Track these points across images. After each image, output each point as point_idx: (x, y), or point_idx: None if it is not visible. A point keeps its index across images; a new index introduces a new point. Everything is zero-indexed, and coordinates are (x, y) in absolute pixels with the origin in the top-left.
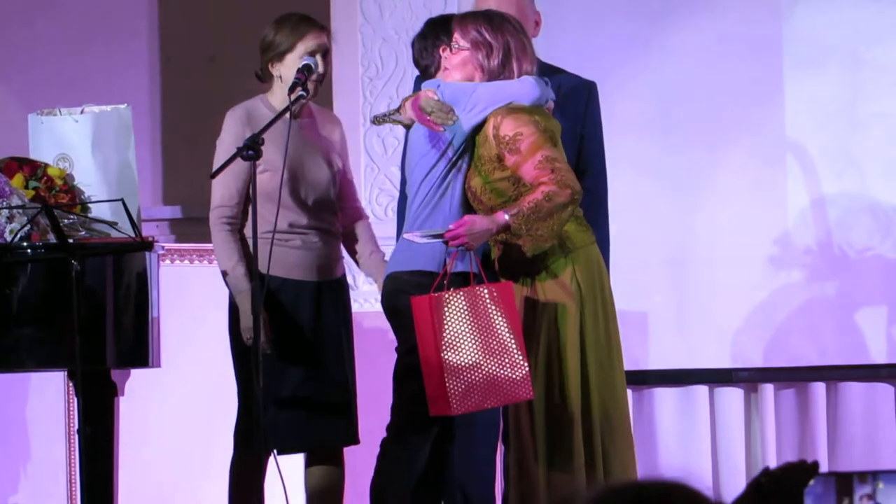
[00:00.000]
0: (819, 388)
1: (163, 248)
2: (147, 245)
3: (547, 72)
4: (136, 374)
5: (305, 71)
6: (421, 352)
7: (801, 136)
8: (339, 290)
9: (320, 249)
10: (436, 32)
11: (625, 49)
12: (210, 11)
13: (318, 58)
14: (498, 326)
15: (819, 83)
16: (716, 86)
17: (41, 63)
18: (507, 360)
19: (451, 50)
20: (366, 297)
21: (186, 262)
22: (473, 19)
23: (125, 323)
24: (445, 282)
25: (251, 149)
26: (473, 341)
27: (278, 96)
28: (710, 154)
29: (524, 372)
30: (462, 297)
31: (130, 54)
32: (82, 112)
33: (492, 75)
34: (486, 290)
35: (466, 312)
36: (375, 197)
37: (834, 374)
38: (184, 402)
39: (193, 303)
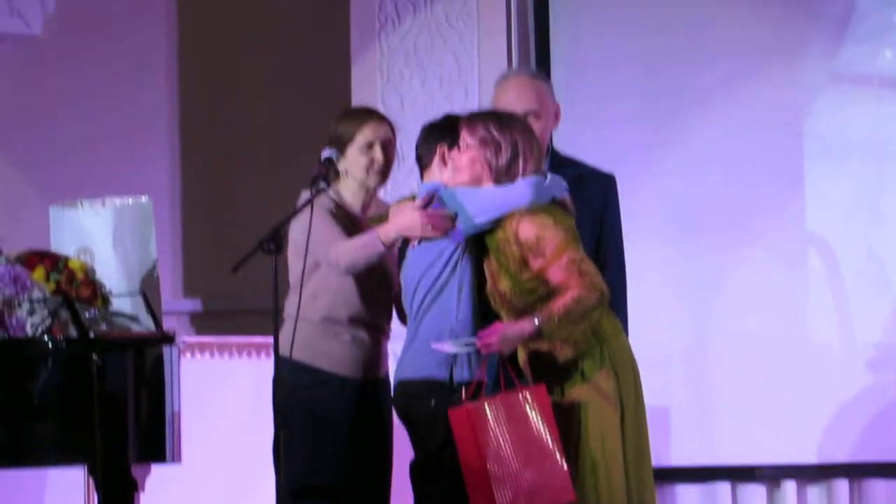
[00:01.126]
0: (842, 485)
1: (183, 341)
2: (168, 338)
3: (565, 164)
4: (157, 469)
5: (326, 164)
6: (464, 464)
7: (823, 230)
8: (381, 390)
9: (369, 348)
10: (436, 135)
11: (644, 143)
12: (230, 103)
13: (378, 147)
14: (536, 430)
15: (840, 178)
16: (736, 180)
17: (62, 156)
18: (547, 464)
19: (458, 149)
20: None
21: (207, 355)
22: (482, 117)
23: (145, 417)
24: (483, 388)
25: (272, 241)
26: (515, 448)
27: (349, 187)
28: (731, 249)
29: (564, 473)
30: (500, 405)
31: (151, 146)
32: (103, 205)
33: (499, 174)
34: (520, 395)
35: (505, 420)
36: None
37: (857, 471)
38: (205, 497)
39: (214, 397)
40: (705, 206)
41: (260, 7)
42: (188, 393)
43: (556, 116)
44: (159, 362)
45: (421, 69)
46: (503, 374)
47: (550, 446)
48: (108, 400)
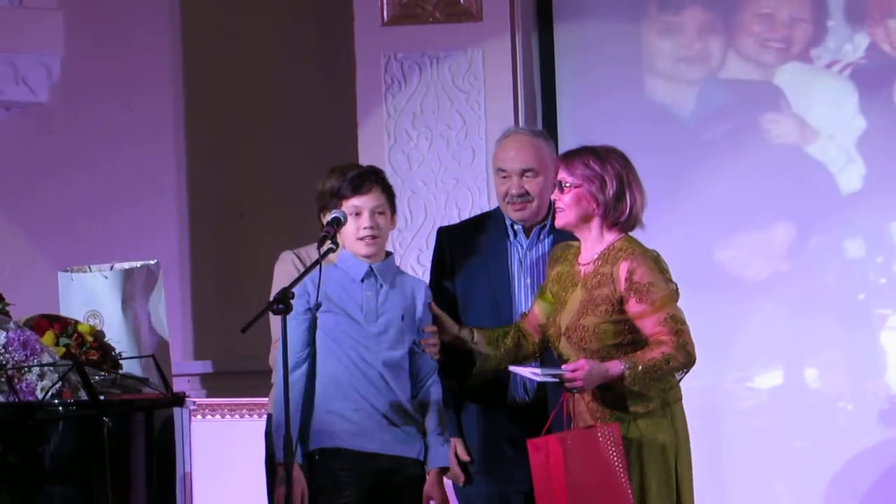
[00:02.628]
0: None
1: (194, 403)
2: (178, 400)
3: None
4: None
5: (334, 224)
6: (538, 495)
7: (832, 281)
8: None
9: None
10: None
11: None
12: (237, 167)
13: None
14: (613, 466)
15: (849, 229)
16: (744, 230)
17: (70, 221)
18: (621, 502)
19: (557, 190)
20: None
21: (218, 416)
22: (577, 154)
23: (157, 479)
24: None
25: (281, 303)
26: (591, 483)
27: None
28: (741, 301)
29: None
30: (579, 438)
31: (159, 210)
32: (112, 268)
33: (608, 207)
34: (598, 432)
35: (583, 454)
36: None
37: None
38: None
39: (226, 457)
40: (714, 258)
41: (266, 70)
42: (199, 454)
43: (556, 175)
44: (170, 424)
45: (428, 130)
46: (566, 408)
47: (624, 484)
48: (119, 462)
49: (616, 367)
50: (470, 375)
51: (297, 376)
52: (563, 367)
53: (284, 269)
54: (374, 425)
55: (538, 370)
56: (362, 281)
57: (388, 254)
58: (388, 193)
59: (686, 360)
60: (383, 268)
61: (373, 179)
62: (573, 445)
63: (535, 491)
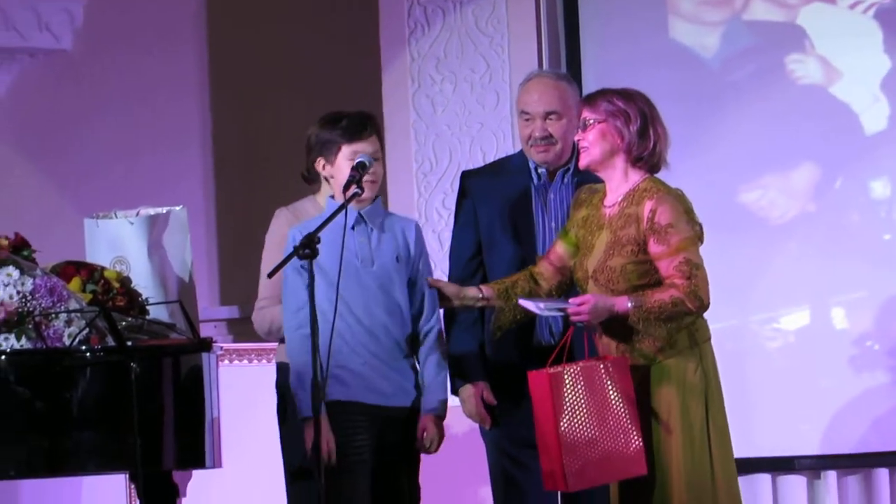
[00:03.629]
0: (883, 475)
1: (221, 348)
2: (205, 346)
3: None
4: (198, 475)
5: (360, 168)
6: (538, 427)
7: (858, 221)
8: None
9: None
10: (310, 143)
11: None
12: (262, 114)
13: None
14: (613, 401)
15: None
16: (771, 173)
17: (96, 168)
18: (621, 436)
19: (582, 129)
20: None
21: (245, 361)
22: (600, 94)
23: (185, 424)
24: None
25: (307, 247)
26: (590, 417)
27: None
28: (767, 242)
29: (638, 447)
30: (579, 372)
31: (185, 157)
32: (138, 215)
33: (632, 142)
34: (601, 365)
35: (583, 387)
36: None
37: None
38: (246, 501)
39: (253, 402)
40: (740, 200)
41: (290, 19)
42: (227, 399)
43: (580, 118)
44: (197, 369)
45: (452, 74)
46: (588, 345)
47: (626, 420)
48: (147, 408)
49: (622, 303)
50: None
51: (305, 329)
52: (570, 300)
53: (278, 227)
54: (379, 377)
55: (542, 304)
56: (353, 228)
57: (375, 197)
58: (381, 139)
59: (695, 306)
60: (372, 212)
61: (370, 125)
62: (572, 379)
63: (535, 422)
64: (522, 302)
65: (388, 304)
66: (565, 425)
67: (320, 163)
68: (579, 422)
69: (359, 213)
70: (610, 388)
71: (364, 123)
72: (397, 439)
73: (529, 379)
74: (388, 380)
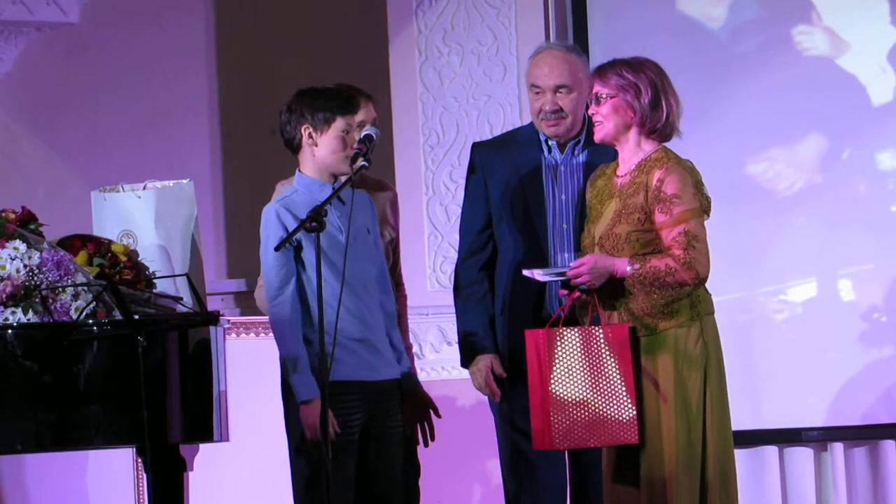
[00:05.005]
0: (890, 446)
1: (228, 321)
2: (212, 319)
3: None
4: (205, 448)
5: (367, 141)
6: (530, 385)
7: (866, 193)
8: None
9: None
10: (301, 108)
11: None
12: (269, 86)
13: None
14: (608, 367)
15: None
16: (778, 145)
17: (103, 142)
18: (614, 402)
19: (591, 104)
20: (432, 366)
21: (252, 335)
22: (610, 65)
23: (192, 397)
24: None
25: (314, 220)
26: (583, 379)
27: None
28: (775, 214)
29: (631, 415)
30: (576, 335)
31: (192, 130)
32: (145, 188)
33: (644, 115)
34: (600, 331)
35: (579, 350)
36: (440, 265)
37: None
38: (253, 474)
39: (261, 375)
40: (747, 171)
41: None
42: (234, 372)
43: (591, 91)
44: (205, 343)
45: (459, 46)
46: (592, 315)
47: (621, 386)
48: (154, 381)
49: (622, 264)
50: None
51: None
52: (571, 263)
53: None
54: (372, 353)
55: (541, 270)
56: (335, 203)
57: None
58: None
59: (689, 277)
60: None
61: (362, 95)
62: (568, 340)
63: (528, 380)
64: (525, 272)
65: (380, 278)
66: (555, 382)
67: (306, 130)
68: (571, 382)
69: (333, 188)
70: (606, 353)
71: (355, 94)
72: (390, 412)
73: (526, 337)
74: (378, 354)
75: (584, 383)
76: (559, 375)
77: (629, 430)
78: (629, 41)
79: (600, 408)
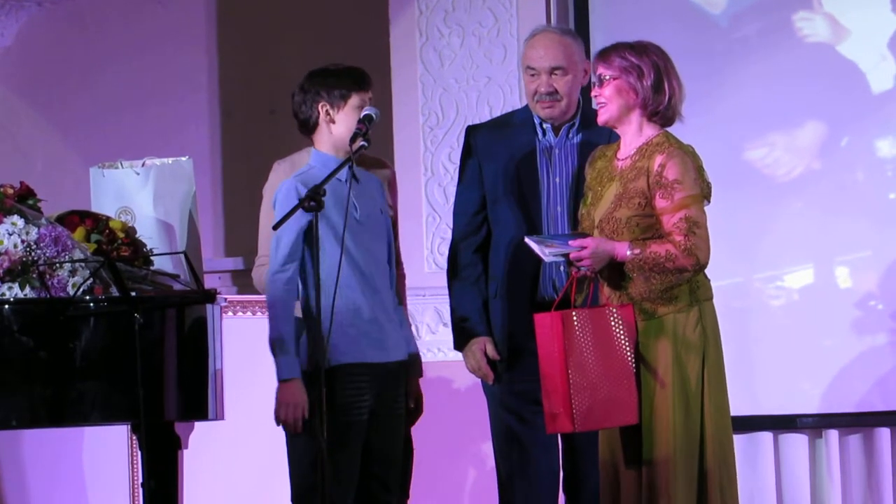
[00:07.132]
0: (884, 434)
1: (225, 299)
2: (209, 297)
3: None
4: (200, 426)
5: (367, 121)
6: (543, 368)
7: (863, 181)
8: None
9: None
10: (315, 87)
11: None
12: (269, 65)
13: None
14: (619, 347)
15: (882, 131)
16: (777, 131)
17: (102, 118)
18: (624, 381)
19: (598, 84)
20: (428, 347)
21: (249, 313)
22: (613, 48)
23: (188, 375)
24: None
25: (312, 199)
26: (596, 359)
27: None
28: (771, 200)
29: (634, 396)
30: (588, 315)
31: (191, 108)
32: (143, 165)
33: (647, 97)
34: (607, 310)
35: (591, 330)
36: (437, 246)
37: None
38: (248, 453)
39: (257, 354)
40: (745, 157)
41: None
42: (230, 351)
43: (586, 73)
44: (201, 321)
45: (459, 27)
46: (593, 293)
47: (630, 366)
48: (150, 358)
49: (622, 248)
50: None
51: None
52: (570, 243)
53: (276, 180)
54: (382, 333)
55: (547, 249)
56: (346, 182)
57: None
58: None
59: (689, 263)
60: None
61: (368, 75)
62: (580, 322)
63: (540, 365)
64: (528, 240)
65: (390, 260)
66: (573, 366)
67: (324, 108)
68: (586, 363)
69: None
70: (616, 332)
71: (364, 72)
72: (396, 393)
73: (536, 321)
74: (387, 335)
75: (597, 364)
76: (576, 358)
77: (632, 410)
78: (630, 24)
79: (612, 388)
